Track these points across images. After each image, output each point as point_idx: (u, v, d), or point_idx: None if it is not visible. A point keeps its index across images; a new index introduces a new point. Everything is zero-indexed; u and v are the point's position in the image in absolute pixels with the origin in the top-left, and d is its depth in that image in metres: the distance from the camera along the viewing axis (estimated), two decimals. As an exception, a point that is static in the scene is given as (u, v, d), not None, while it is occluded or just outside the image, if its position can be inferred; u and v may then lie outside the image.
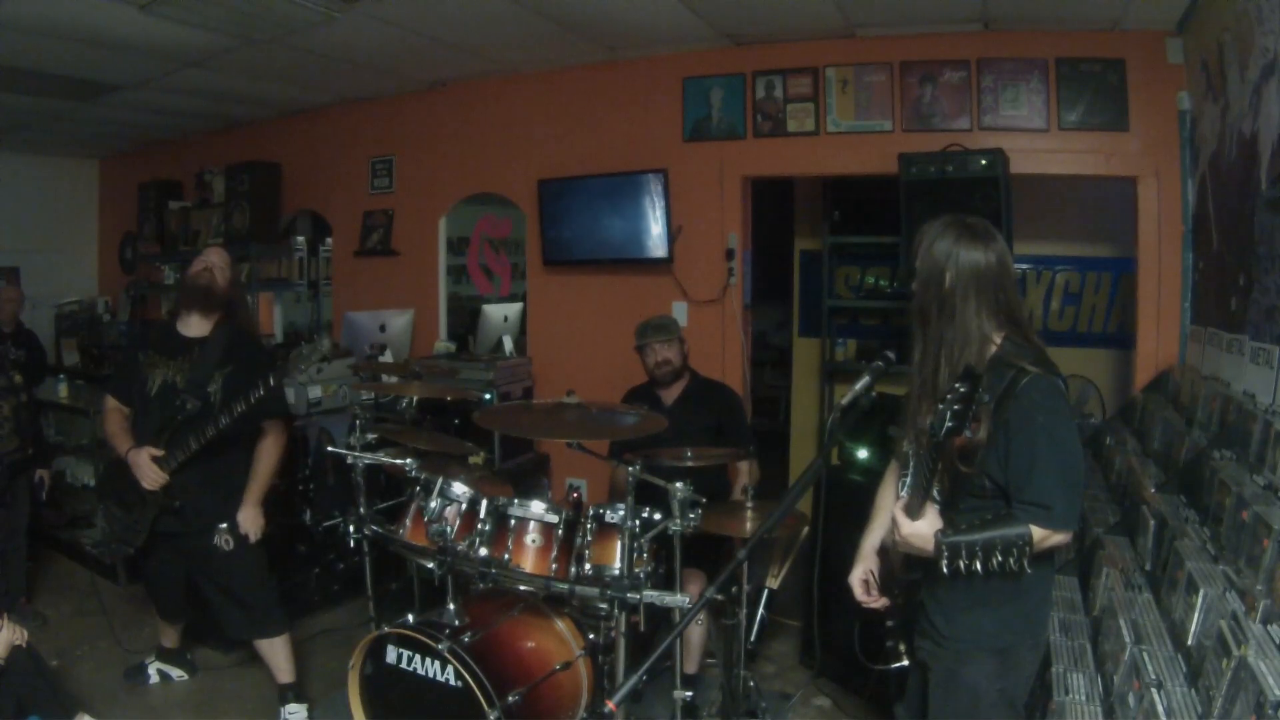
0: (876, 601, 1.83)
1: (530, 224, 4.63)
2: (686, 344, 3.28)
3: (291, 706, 2.92)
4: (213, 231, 5.70)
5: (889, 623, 1.84)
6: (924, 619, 1.75)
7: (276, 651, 2.92)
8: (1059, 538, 1.53)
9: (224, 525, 2.78)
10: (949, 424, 1.35)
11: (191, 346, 2.80)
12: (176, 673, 3.23)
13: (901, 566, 1.77)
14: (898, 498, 1.83)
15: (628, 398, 3.30)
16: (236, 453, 2.81)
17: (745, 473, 3.10)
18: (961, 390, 1.34)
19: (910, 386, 1.72)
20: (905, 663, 1.82)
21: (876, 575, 1.84)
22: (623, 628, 2.23)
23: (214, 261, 2.85)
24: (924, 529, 1.51)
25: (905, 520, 1.53)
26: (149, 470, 2.67)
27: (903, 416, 1.77)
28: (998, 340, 1.63)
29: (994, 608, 1.64)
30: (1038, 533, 1.48)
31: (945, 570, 1.49)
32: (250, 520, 2.81)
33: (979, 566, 1.47)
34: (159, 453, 2.68)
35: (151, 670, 3.21)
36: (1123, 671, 1.60)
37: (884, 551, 1.86)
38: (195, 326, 2.84)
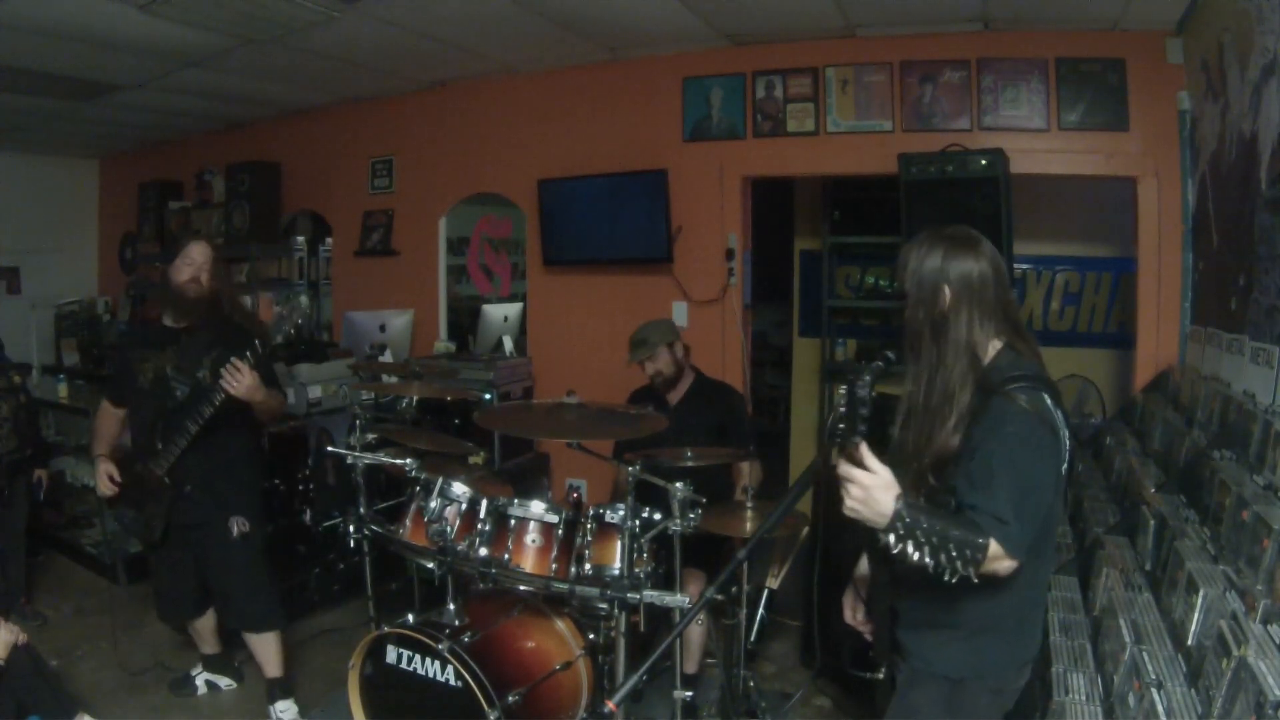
0: (863, 626, 1.86)
1: (530, 224, 4.63)
2: (678, 347, 3.21)
3: (281, 704, 2.95)
4: (213, 232, 5.69)
5: (868, 635, 1.87)
6: (896, 629, 1.71)
7: (268, 646, 2.94)
8: (1006, 563, 1.39)
9: (238, 517, 2.83)
10: (840, 426, 1.31)
11: (178, 336, 2.84)
12: (225, 681, 3.18)
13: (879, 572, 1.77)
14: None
15: (633, 398, 3.30)
16: (234, 432, 2.82)
17: (746, 473, 3.10)
18: (857, 383, 1.31)
19: (903, 406, 1.63)
20: (881, 675, 1.84)
21: (864, 596, 1.85)
22: (623, 628, 2.23)
23: (199, 262, 2.82)
24: (887, 484, 1.32)
25: (875, 468, 1.32)
26: (102, 479, 2.78)
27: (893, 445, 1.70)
28: (994, 349, 1.57)
29: (951, 632, 1.59)
30: (993, 547, 1.35)
31: (891, 543, 1.32)
32: (244, 372, 2.58)
33: (926, 557, 1.30)
34: (117, 476, 2.78)
35: (199, 681, 3.15)
36: (1123, 671, 1.60)
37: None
38: (179, 318, 2.88)
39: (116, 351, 3.10)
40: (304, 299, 2.73)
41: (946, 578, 1.32)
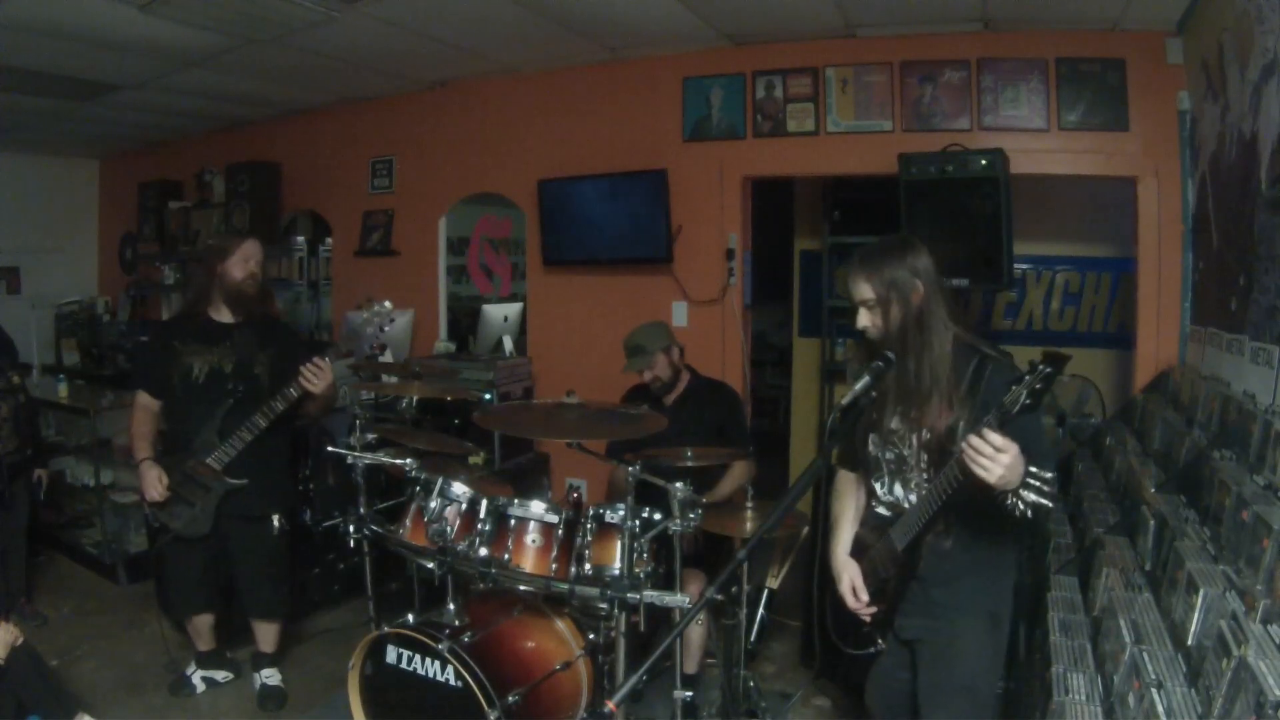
0: (867, 609, 1.93)
1: (530, 224, 4.63)
2: (674, 351, 3.18)
3: (266, 670, 3.12)
4: (213, 232, 5.69)
5: (867, 617, 1.95)
6: (915, 599, 1.86)
7: (272, 629, 3.13)
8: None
9: (276, 516, 2.95)
10: (1025, 401, 1.44)
11: (231, 332, 2.91)
12: (221, 675, 3.22)
13: (887, 559, 1.86)
14: (874, 501, 1.95)
15: (629, 397, 3.29)
16: (279, 427, 2.91)
17: (742, 473, 3.09)
18: (1046, 370, 1.43)
19: (883, 394, 1.83)
20: (878, 648, 1.98)
21: (859, 580, 1.94)
22: (623, 628, 2.23)
23: (257, 259, 2.94)
24: (1020, 450, 1.52)
25: (1009, 438, 1.50)
26: (154, 485, 2.80)
27: (871, 423, 1.89)
28: (952, 331, 1.80)
29: (983, 575, 1.85)
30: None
31: (1021, 494, 1.56)
32: (326, 370, 2.77)
33: (1034, 497, 1.56)
34: (165, 479, 2.81)
35: (196, 679, 3.17)
36: (1123, 671, 1.60)
37: (858, 554, 1.97)
38: (229, 314, 2.95)
39: (155, 343, 3.11)
40: (389, 304, 2.82)
41: (1031, 515, 1.59)
